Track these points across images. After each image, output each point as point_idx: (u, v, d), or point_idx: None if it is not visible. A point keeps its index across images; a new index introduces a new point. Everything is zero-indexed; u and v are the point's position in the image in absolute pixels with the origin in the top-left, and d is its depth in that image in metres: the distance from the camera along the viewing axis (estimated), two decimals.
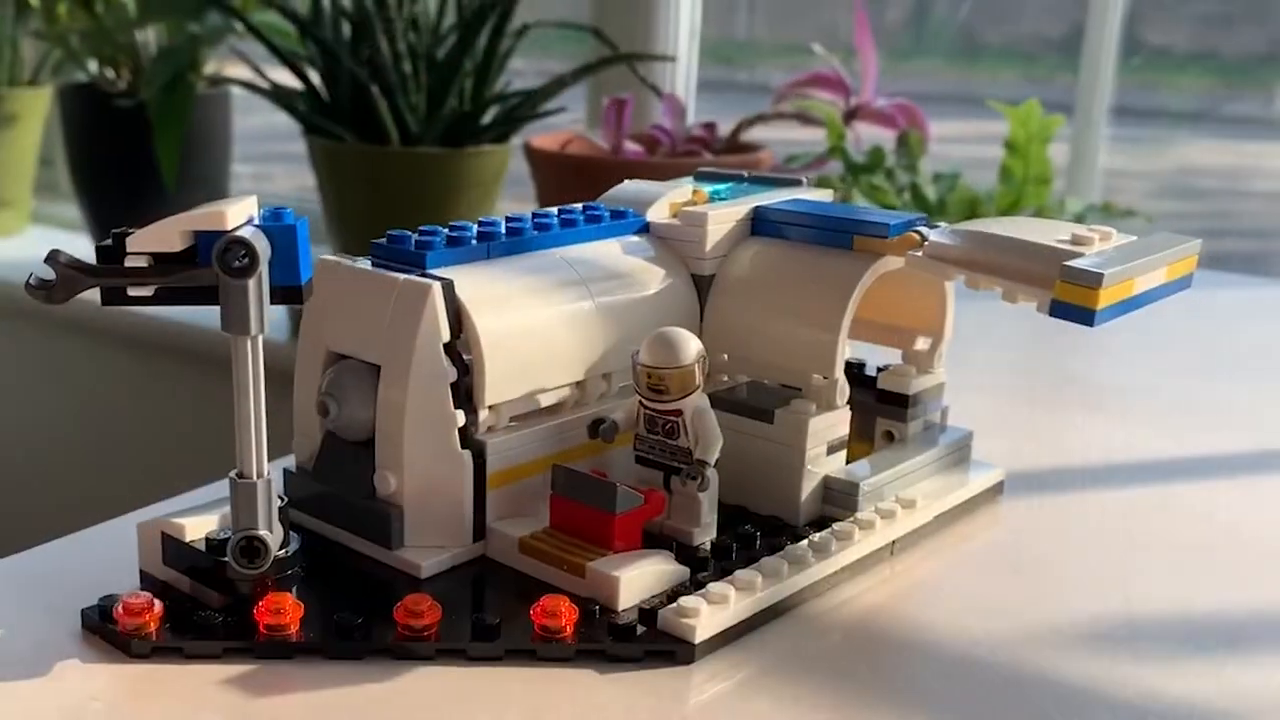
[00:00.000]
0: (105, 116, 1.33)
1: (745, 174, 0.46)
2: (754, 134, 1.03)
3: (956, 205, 0.90)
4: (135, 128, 1.28)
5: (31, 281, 0.30)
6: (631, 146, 1.03)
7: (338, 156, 1.09)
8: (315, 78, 1.13)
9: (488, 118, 1.14)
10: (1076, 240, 0.37)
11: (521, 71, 1.23)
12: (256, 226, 0.31)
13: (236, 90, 1.37)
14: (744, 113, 1.03)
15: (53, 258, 0.30)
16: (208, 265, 0.30)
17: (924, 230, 0.39)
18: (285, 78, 1.18)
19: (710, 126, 1.05)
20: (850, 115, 1.03)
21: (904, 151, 0.96)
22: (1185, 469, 0.50)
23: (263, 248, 0.30)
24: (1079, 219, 0.92)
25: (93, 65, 1.40)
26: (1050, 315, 0.35)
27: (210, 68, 1.42)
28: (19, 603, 0.35)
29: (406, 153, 1.08)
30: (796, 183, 0.45)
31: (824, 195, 0.46)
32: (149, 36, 1.37)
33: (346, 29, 1.12)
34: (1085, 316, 0.35)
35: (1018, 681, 0.33)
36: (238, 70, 1.37)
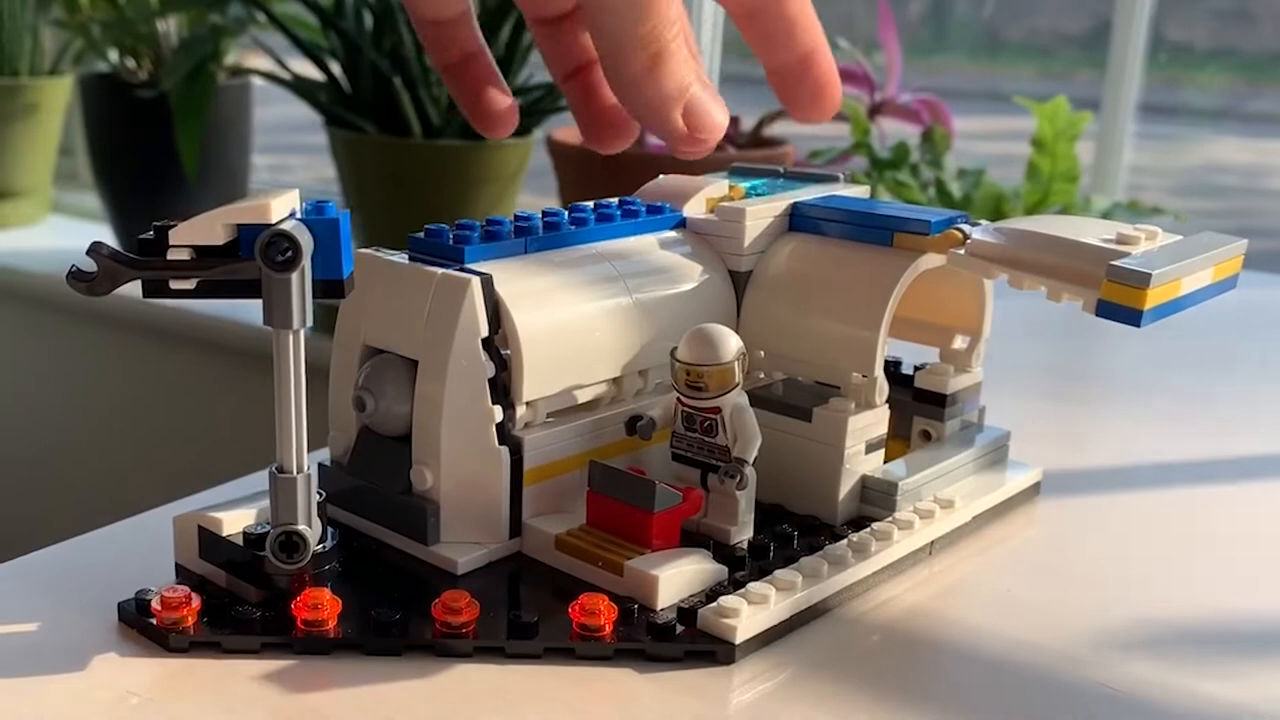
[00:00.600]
0: (126, 106, 1.33)
1: (781, 169, 0.46)
2: (777, 129, 1.03)
3: (982, 202, 0.90)
4: (156, 118, 1.28)
5: (73, 273, 0.30)
6: (654, 140, 1.02)
7: (359, 148, 1.09)
8: (337, 69, 1.13)
9: None
10: (1122, 239, 0.36)
11: (543, 64, 1.23)
12: (299, 220, 0.31)
13: (257, 81, 1.37)
14: (767, 107, 1.02)
15: (95, 250, 0.30)
16: (250, 258, 0.30)
17: (966, 228, 0.39)
18: (307, 69, 1.18)
19: (733, 121, 1.04)
20: (874, 110, 1.02)
21: (928, 147, 0.96)
22: (1225, 471, 0.50)
23: (306, 241, 0.30)
24: (1106, 216, 0.91)
25: (114, 55, 1.40)
26: (1096, 315, 0.35)
27: (231, 58, 1.42)
28: (56, 596, 0.35)
29: (428, 145, 1.08)
30: (833, 179, 0.45)
31: (861, 192, 0.45)
32: (170, 27, 1.37)
33: (369, 20, 1.12)
34: (1132, 317, 0.35)
35: (1058, 684, 0.33)
36: (259, 61, 1.37)
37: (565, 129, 1.11)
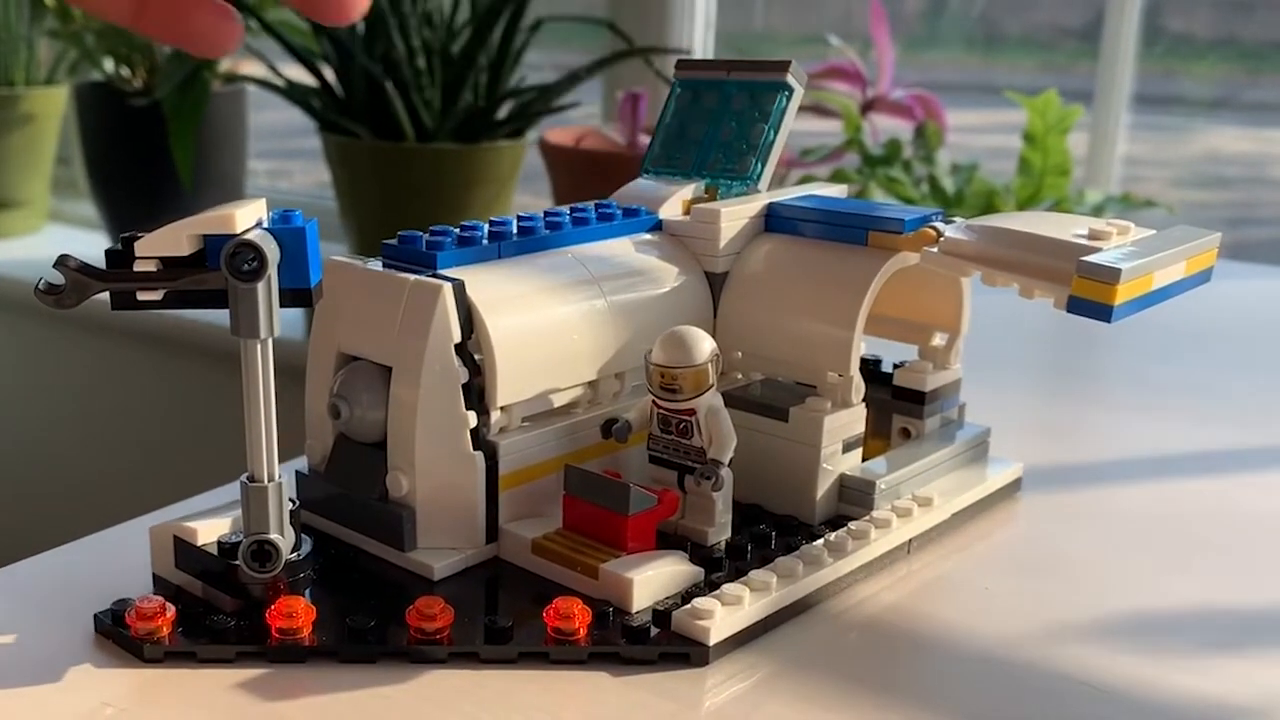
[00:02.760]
0: (121, 115, 1.33)
1: (727, 69, 0.44)
2: None
3: (974, 197, 0.90)
4: (151, 126, 1.28)
5: (40, 287, 0.30)
6: (646, 140, 1.02)
7: (353, 153, 1.10)
8: (330, 74, 1.13)
9: (502, 113, 1.14)
10: (1094, 235, 0.36)
11: (536, 66, 1.23)
12: (265, 229, 0.31)
13: (251, 87, 1.37)
14: None
15: (62, 262, 0.30)
16: (216, 269, 0.30)
17: (939, 225, 0.39)
18: (300, 75, 1.19)
19: None
20: (867, 107, 1.02)
21: (921, 143, 0.96)
22: (1205, 464, 0.49)
23: (271, 251, 0.30)
24: (1098, 210, 0.91)
25: (108, 64, 1.41)
26: (1067, 311, 0.35)
27: (225, 65, 1.42)
28: (31, 606, 0.35)
29: (422, 149, 1.08)
30: (783, 65, 0.43)
31: (838, 190, 0.45)
32: None
33: (361, 26, 1.12)
34: (1103, 312, 0.34)
35: (1037, 681, 0.33)
36: (253, 68, 1.37)
37: (558, 130, 1.11)
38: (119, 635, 0.32)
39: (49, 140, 1.54)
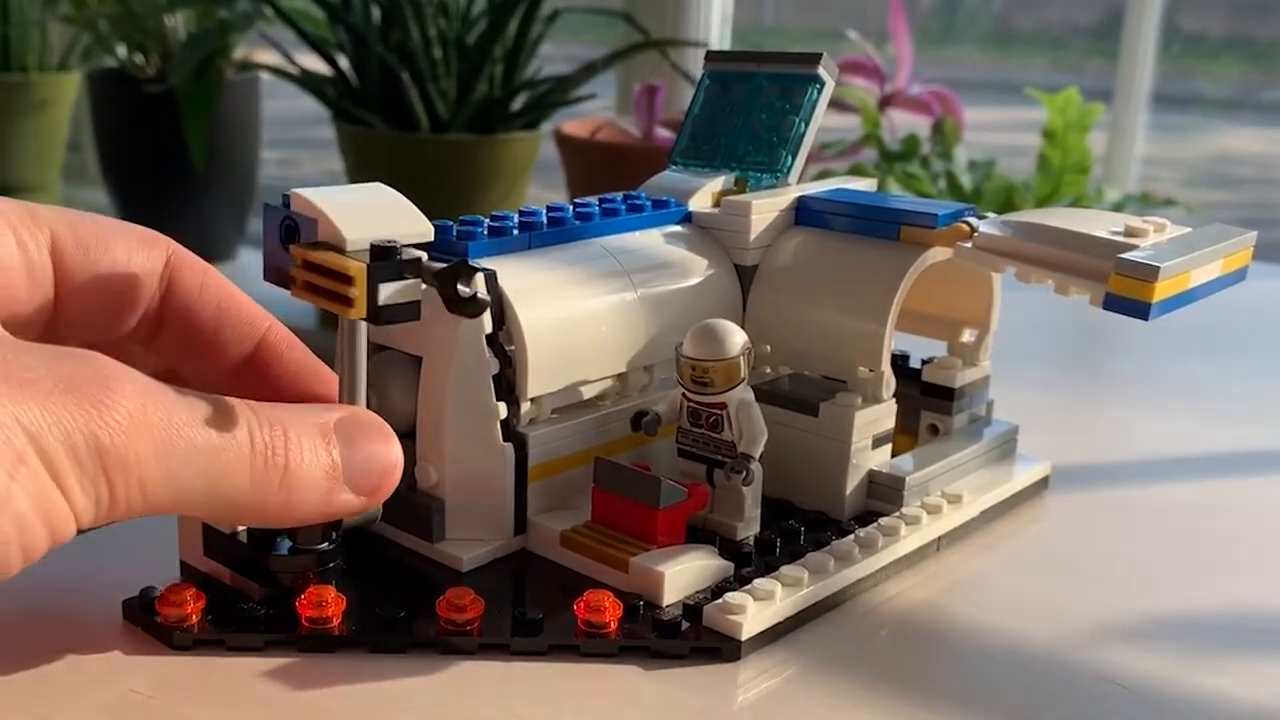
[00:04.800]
0: (134, 102, 1.33)
1: (758, 64, 0.44)
2: None
3: (992, 194, 0.89)
4: (164, 113, 1.28)
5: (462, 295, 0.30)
6: (663, 133, 1.02)
7: (367, 142, 1.09)
8: (344, 63, 1.13)
9: (518, 104, 1.13)
10: (1130, 232, 0.36)
11: (551, 57, 1.23)
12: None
13: (265, 76, 1.37)
14: None
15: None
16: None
17: (973, 221, 0.39)
18: (314, 63, 1.18)
19: None
20: (884, 102, 1.02)
21: (939, 139, 0.95)
22: (1234, 463, 0.49)
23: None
24: (1117, 208, 0.91)
25: (122, 51, 1.40)
26: (1105, 309, 0.35)
27: (239, 53, 1.42)
28: (61, 593, 0.35)
29: (436, 139, 1.08)
30: (814, 58, 0.43)
31: (867, 184, 0.45)
32: (178, 22, 1.37)
33: (376, 15, 1.11)
34: (1140, 310, 0.34)
35: (1066, 679, 0.33)
36: (267, 56, 1.37)
37: (573, 122, 1.11)
38: (148, 622, 0.32)
39: (61, 127, 1.54)
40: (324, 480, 0.28)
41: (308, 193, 0.30)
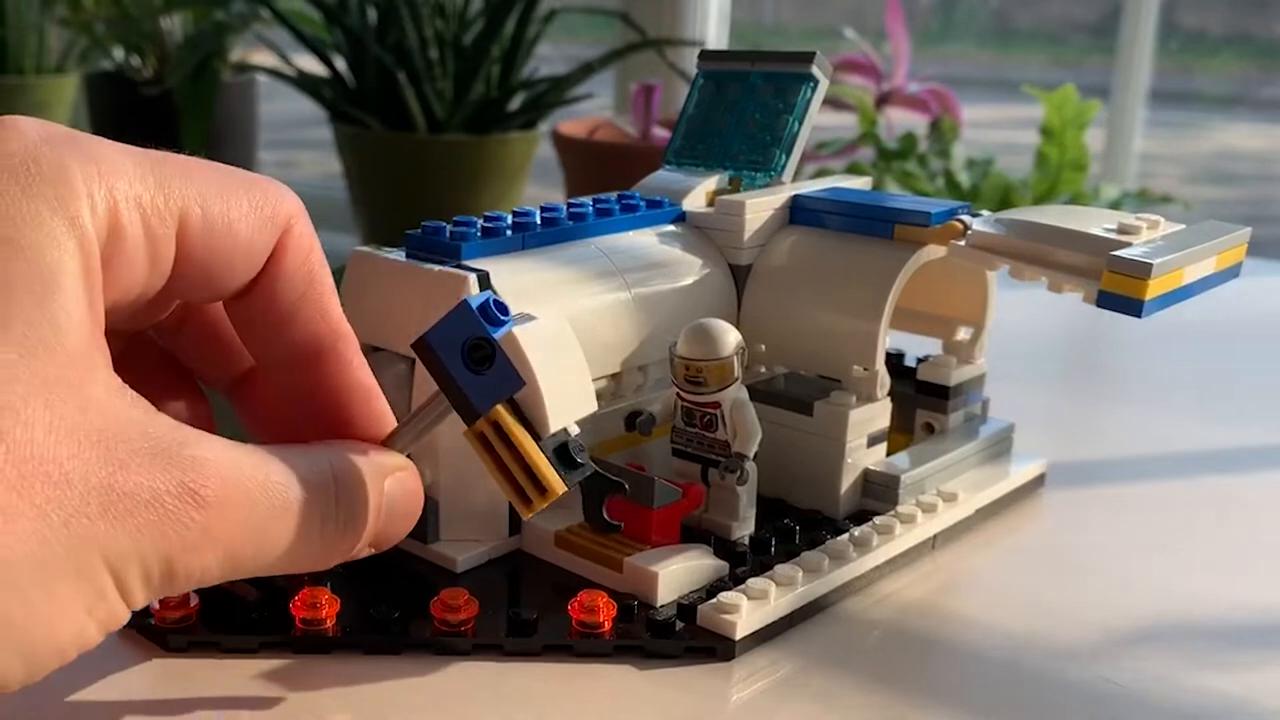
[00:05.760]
0: (131, 104, 1.33)
1: (751, 63, 0.44)
2: None
3: (990, 192, 0.89)
4: (161, 115, 1.28)
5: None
6: (660, 132, 1.02)
7: (364, 143, 1.09)
8: (341, 64, 1.13)
9: (515, 104, 1.13)
10: (1124, 229, 0.36)
11: (549, 57, 1.23)
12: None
13: (262, 77, 1.37)
14: None
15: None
16: None
17: (967, 219, 0.39)
18: (311, 64, 1.18)
19: None
20: (882, 100, 1.02)
21: (936, 137, 0.95)
22: (1231, 461, 0.49)
23: None
24: (1115, 205, 0.91)
25: (119, 53, 1.41)
26: (1098, 306, 0.35)
27: (236, 55, 1.42)
28: None
29: (433, 139, 1.08)
30: (807, 57, 0.43)
31: (862, 183, 0.45)
32: (175, 24, 1.37)
33: (373, 15, 1.11)
34: (1133, 307, 0.34)
35: (1062, 678, 0.33)
36: (263, 57, 1.37)
37: (571, 122, 1.11)
38: (143, 624, 0.32)
39: None
40: (360, 541, 0.28)
41: (525, 345, 0.28)
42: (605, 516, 0.31)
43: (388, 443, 0.29)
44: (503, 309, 0.28)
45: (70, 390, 0.23)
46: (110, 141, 0.26)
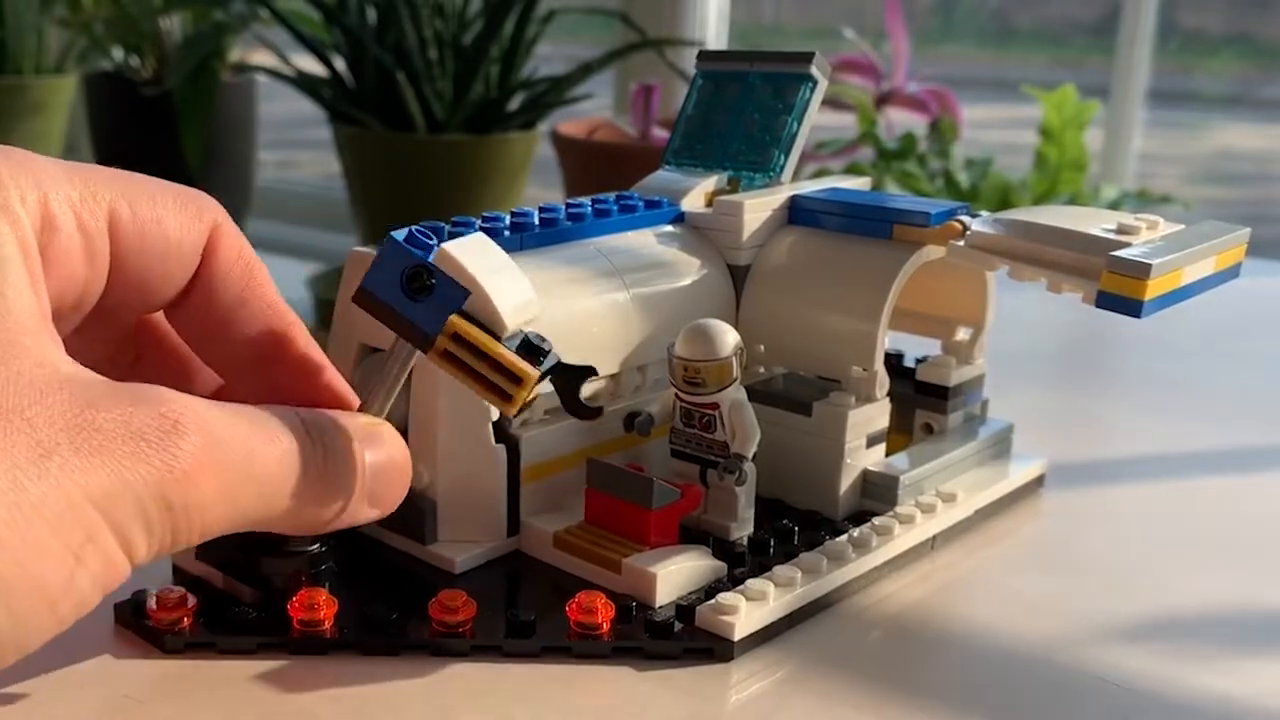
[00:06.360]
0: (130, 104, 1.33)
1: (750, 63, 0.44)
2: None
3: (989, 192, 0.89)
4: (160, 115, 1.28)
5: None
6: (660, 133, 1.02)
7: (363, 143, 1.09)
8: (341, 65, 1.13)
9: (514, 104, 1.13)
10: (1123, 229, 0.36)
11: (548, 57, 1.23)
12: None
13: (261, 77, 1.37)
14: None
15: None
16: None
17: (966, 219, 0.39)
18: (311, 65, 1.18)
19: None
20: (881, 100, 1.02)
21: (936, 137, 0.95)
22: (1229, 462, 0.49)
23: None
24: (1114, 206, 0.91)
25: (118, 53, 1.40)
26: (1096, 306, 0.35)
27: (235, 55, 1.42)
28: None
29: (432, 140, 1.08)
30: (806, 57, 0.42)
31: (861, 183, 0.45)
32: (174, 24, 1.37)
33: (372, 16, 1.11)
34: (1132, 308, 0.34)
35: (1060, 678, 0.33)
36: (263, 57, 1.37)
37: (570, 122, 1.11)
38: (140, 626, 0.32)
39: (57, 129, 1.54)
40: (353, 496, 0.28)
41: (458, 255, 0.29)
42: (582, 401, 0.31)
43: (362, 410, 0.30)
44: (428, 235, 0.29)
45: (24, 351, 0.23)
46: (38, 154, 0.27)
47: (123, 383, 0.24)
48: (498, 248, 0.31)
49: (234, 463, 0.25)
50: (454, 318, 0.28)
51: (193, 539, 0.25)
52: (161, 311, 0.30)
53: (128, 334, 0.31)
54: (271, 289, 0.30)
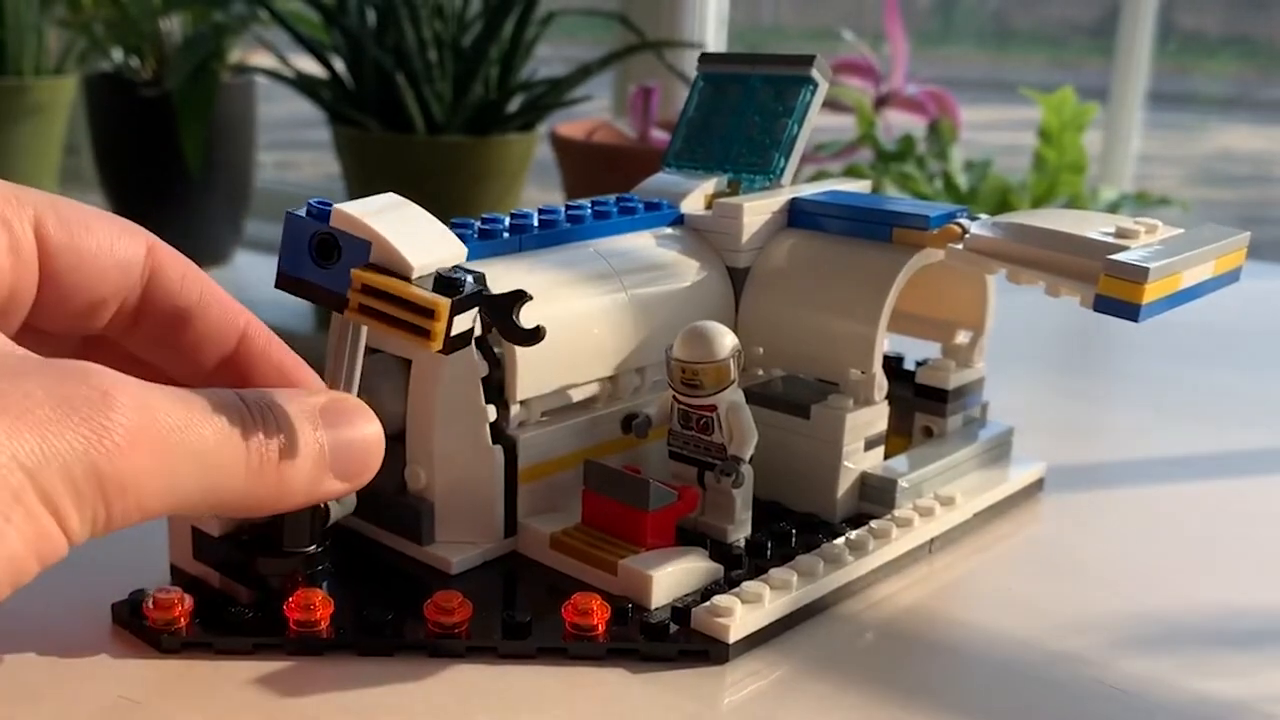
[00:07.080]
0: (130, 105, 1.33)
1: (750, 66, 0.44)
2: None
3: (988, 194, 0.89)
4: (160, 116, 1.28)
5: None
6: (659, 134, 1.02)
7: (363, 145, 1.09)
8: (340, 66, 1.13)
9: (513, 106, 1.13)
10: (1121, 233, 0.36)
11: (547, 59, 1.23)
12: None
13: (261, 79, 1.37)
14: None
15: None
16: None
17: (965, 222, 0.39)
18: (310, 66, 1.18)
19: None
20: (880, 102, 1.02)
21: (935, 139, 0.95)
22: (1229, 465, 0.49)
23: None
24: (1113, 208, 0.91)
25: (117, 54, 1.40)
26: (1095, 310, 0.35)
27: (235, 56, 1.42)
28: (48, 596, 0.34)
29: (432, 141, 1.07)
30: (807, 60, 0.42)
31: (861, 186, 0.45)
32: (173, 25, 1.37)
33: (371, 17, 1.11)
34: (1130, 311, 0.34)
35: (1058, 682, 0.33)
36: (262, 59, 1.37)
37: (569, 124, 1.11)
38: (136, 625, 0.32)
39: (57, 130, 1.54)
40: (313, 468, 0.28)
41: (354, 211, 0.29)
42: (518, 323, 0.30)
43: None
44: (325, 204, 0.29)
45: None
46: None
47: (55, 359, 0.24)
48: (409, 203, 0.31)
49: (167, 436, 0.24)
50: (357, 270, 0.28)
51: (131, 516, 0.24)
52: (121, 334, 0.31)
53: (79, 356, 0.31)
54: (223, 293, 0.31)
